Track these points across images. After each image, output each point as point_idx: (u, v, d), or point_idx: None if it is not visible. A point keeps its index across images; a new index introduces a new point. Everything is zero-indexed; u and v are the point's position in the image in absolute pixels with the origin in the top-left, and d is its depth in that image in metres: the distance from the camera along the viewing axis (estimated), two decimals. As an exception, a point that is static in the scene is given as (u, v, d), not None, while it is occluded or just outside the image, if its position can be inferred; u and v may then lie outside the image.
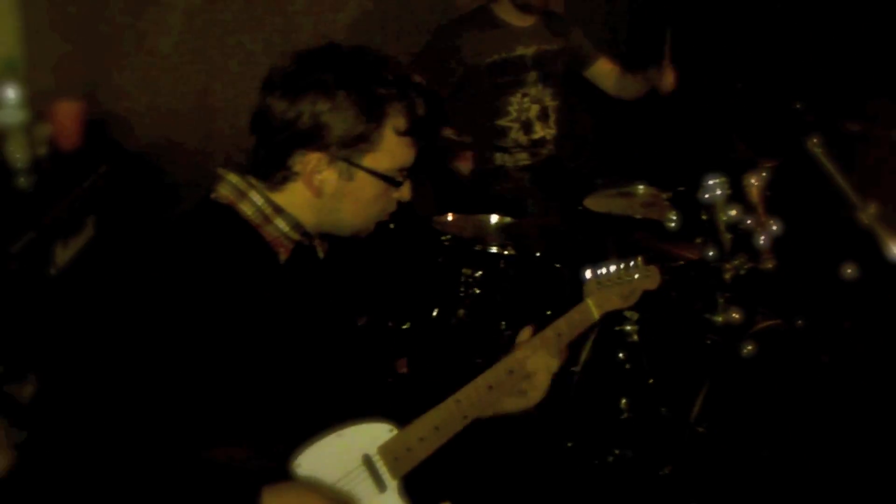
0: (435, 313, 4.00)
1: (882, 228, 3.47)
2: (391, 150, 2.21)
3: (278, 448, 2.13)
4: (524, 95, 4.77)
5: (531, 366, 2.41)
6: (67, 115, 3.85)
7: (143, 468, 1.98)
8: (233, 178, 2.21)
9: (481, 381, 2.36)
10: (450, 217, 4.21)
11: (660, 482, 3.56)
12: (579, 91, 5.16)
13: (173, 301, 2.03)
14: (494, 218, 4.20)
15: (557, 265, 4.02)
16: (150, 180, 4.17)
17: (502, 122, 4.74)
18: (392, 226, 3.25)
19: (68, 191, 2.95)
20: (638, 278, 2.66)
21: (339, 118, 2.14)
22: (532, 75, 4.76)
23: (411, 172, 2.32)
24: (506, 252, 3.94)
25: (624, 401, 3.66)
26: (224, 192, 2.20)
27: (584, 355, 3.75)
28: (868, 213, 3.46)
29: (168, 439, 1.99)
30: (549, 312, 3.71)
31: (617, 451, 3.65)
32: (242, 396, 2.08)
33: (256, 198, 2.19)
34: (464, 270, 3.96)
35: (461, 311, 3.94)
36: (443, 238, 4.03)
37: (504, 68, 4.71)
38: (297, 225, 2.22)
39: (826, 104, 3.95)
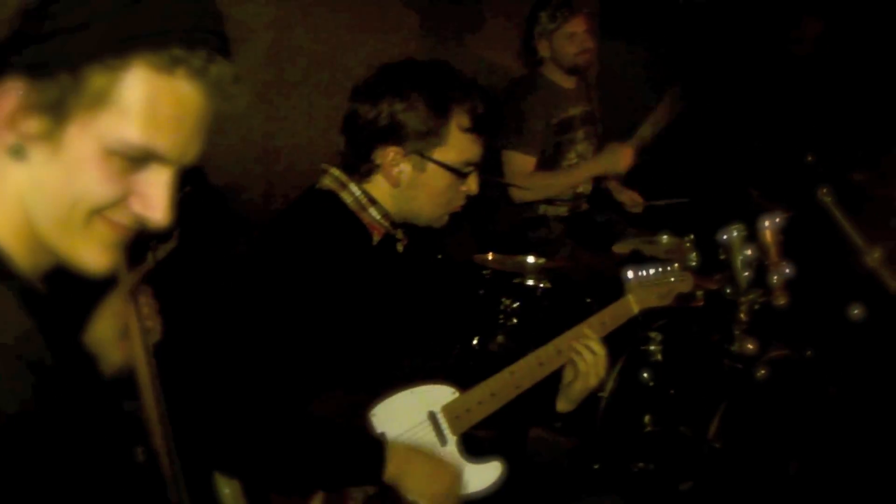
0: (476, 340, 4.29)
1: (886, 271, 3.74)
2: (457, 144, 2.58)
3: (361, 398, 2.48)
4: (575, 153, 5.10)
5: (579, 347, 2.76)
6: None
7: (282, 423, 2.33)
8: (335, 171, 2.62)
9: (533, 357, 2.72)
10: (490, 256, 4.52)
11: (680, 496, 3.84)
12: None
13: (292, 272, 2.43)
14: (531, 258, 4.50)
15: (588, 299, 4.33)
16: (221, 211, 4.47)
17: None
18: (440, 256, 3.57)
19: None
20: (674, 281, 3.03)
21: (411, 116, 2.53)
22: (581, 133, 5.09)
23: (478, 167, 2.67)
24: (541, 285, 4.26)
25: (647, 417, 3.95)
26: (327, 182, 2.60)
27: (610, 384, 4.03)
28: (873, 257, 3.73)
29: (286, 391, 2.34)
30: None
31: (641, 465, 3.93)
32: (339, 352, 2.45)
33: (355, 189, 2.58)
34: (503, 300, 4.28)
35: (500, 338, 4.24)
36: (483, 272, 4.35)
37: (563, 128, 5.04)
38: (386, 214, 2.60)
39: (835, 157, 4.23)
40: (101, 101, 1.35)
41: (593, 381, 2.81)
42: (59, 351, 1.43)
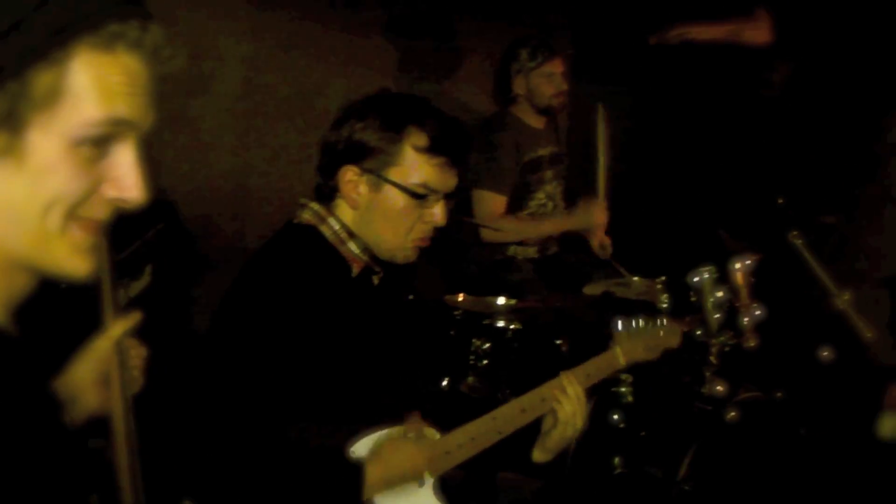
0: (445, 382, 4.28)
1: (855, 314, 3.76)
2: (412, 164, 2.58)
3: (340, 434, 2.48)
4: (544, 193, 5.11)
5: (561, 397, 2.76)
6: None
7: (268, 447, 2.37)
8: (314, 205, 2.64)
9: (516, 403, 2.72)
10: (460, 297, 4.52)
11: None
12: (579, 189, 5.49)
13: (275, 307, 2.44)
14: (502, 300, 4.50)
15: (558, 341, 4.33)
16: (192, 248, 4.47)
17: (523, 217, 5.10)
18: (410, 297, 3.57)
19: (132, 240, 3.29)
20: (663, 335, 3.02)
21: (367, 134, 2.56)
22: (549, 173, 5.12)
23: (445, 197, 2.66)
24: (512, 326, 4.25)
25: (617, 458, 3.93)
26: (307, 216, 2.62)
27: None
28: (843, 300, 3.75)
29: (273, 422, 2.36)
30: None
31: (610, 506, 3.92)
32: (320, 387, 2.45)
33: (334, 223, 2.60)
34: (473, 341, 4.27)
35: (471, 379, 4.23)
36: (454, 312, 4.35)
37: (532, 167, 5.06)
38: (365, 248, 2.60)
39: (806, 200, 4.26)
40: (53, 97, 1.32)
41: (571, 432, 2.81)
42: (15, 396, 1.40)
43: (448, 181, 2.67)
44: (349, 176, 2.60)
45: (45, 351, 1.63)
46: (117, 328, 1.96)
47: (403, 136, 2.59)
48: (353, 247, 2.64)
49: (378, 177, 2.59)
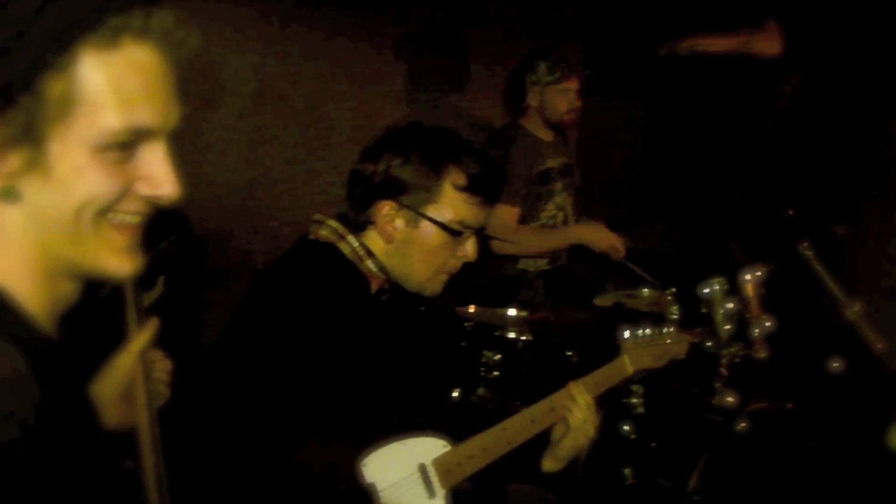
0: (456, 393, 4.28)
1: (866, 325, 3.75)
2: (451, 203, 2.60)
3: (353, 447, 2.49)
4: (554, 204, 5.12)
5: (571, 406, 2.77)
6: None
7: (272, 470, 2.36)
8: (332, 223, 2.65)
9: (526, 413, 2.73)
10: (471, 308, 4.52)
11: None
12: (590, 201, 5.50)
13: (295, 321, 2.45)
14: (513, 311, 4.49)
15: (569, 353, 4.33)
16: (204, 259, 4.47)
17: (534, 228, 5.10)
18: (422, 308, 3.58)
19: (146, 251, 3.30)
20: (670, 343, 3.04)
21: (406, 171, 2.56)
22: (559, 185, 5.11)
23: (475, 233, 2.69)
24: (523, 338, 4.25)
25: (628, 469, 3.93)
26: (324, 233, 2.64)
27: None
28: (853, 311, 3.74)
29: (287, 435, 2.36)
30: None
31: (622, 517, 3.92)
32: (336, 399, 2.46)
33: (353, 240, 2.62)
34: (485, 353, 4.27)
35: (482, 390, 4.24)
36: (465, 324, 4.36)
37: (542, 179, 5.06)
38: (382, 268, 2.62)
39: (816, 210, 4.25)
40: (67, 105, 1.31)
41: (582, 441, 2.83)
42: (61, 402, 1.41)
43: (482, 218, 2.73)
44: (386, 210, 2.63)
45: (85, 359, 1.67)
46: (139, 342, 1.97)
47: (443, 175, 2.62)
48: (371, 265, 2.66)
49: (416, 213, 2.62)
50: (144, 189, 1.40)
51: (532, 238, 5.04)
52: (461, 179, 2.63)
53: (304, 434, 2.41)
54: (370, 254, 2.65)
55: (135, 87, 1.35)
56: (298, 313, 2.49)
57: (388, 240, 2.65)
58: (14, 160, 1.32)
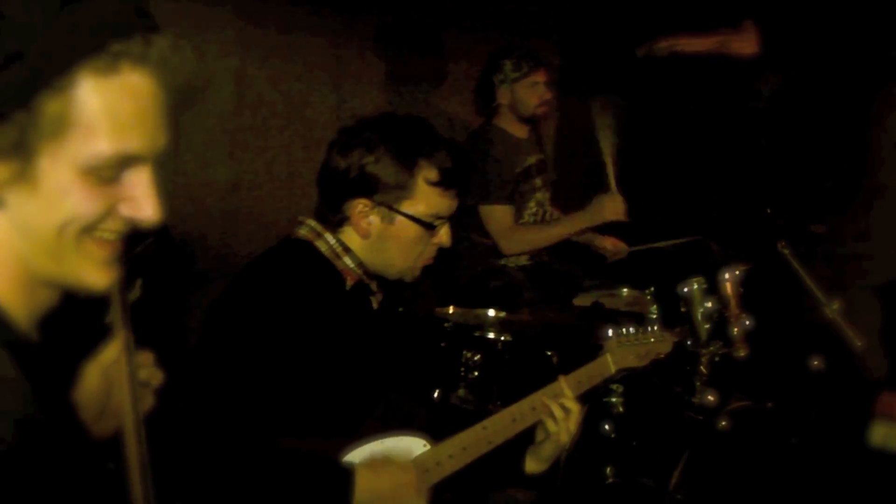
0: (436, 394, 4.27)
1: (845, 322, 3.76)
2: (424, 197, 2.64)
3: (331, 444, 2.48)
4: (535, 202, 5.11)
5: (552, 405, 2.77)
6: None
7: (258, 454, 2.39)
8: (311, 222, 2.69)
9: (507, 413, 2.74)
10: (451, 309, 4.51)
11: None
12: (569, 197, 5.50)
13: (268, 315, 2.47)
14: (492, 312, 4.49)
15: (549, 352, 4.33)
16: (183, 262, 4.45)
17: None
18: (401, 309, 3.57)
19: (124, 253, 3.28)
20: (654, 342, 3.05)
21: (379, 168, 2.59)
22: (538, 181, 5.12)
23: (449, 220, 2.73)
24: (503, 338, 4.25)
25: (609, 468, 3.93)
26: (303, 232, 2.66)
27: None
28: (833, 309, 3.75)
29: (264, 427, 2.37)
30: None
31: (603, 516, 3.91)
32: (313, 395, 2.49)
33: (330, 238, 2.64)
34: (464, 353, 4.26)
35: (461, 391, 4.23)
36: (444, 324, 4.34)
37: (523, 177, 5.06)
38: (360, 263, 2.64)
39: (794, 209, 4.27)
40: (61, 125, 1.34)
41: (565, 439, 2.83)
42: (47, 403, 1.43)
43: (454, 207, 2.77)
44: (360, 208, 2.67)
45: (66, 360, 1.69)
46: (121, 342, 1.95)
47: (415, 171, 2.66)
48: (348, 261, 2.71)
49: (390, 209, 2.67)
50: (127, 210, 1.43)
51: (536, 234, 5.04)
52: (433, 174, 2.68)
53: (281, 429, 2.42)
54: (347, 250, 2.69)
55: (129, 113, 1.38)
56: (273, 308, 2.52)
57: (365, 235, 2.68)
58: (2, 170, 1.34)
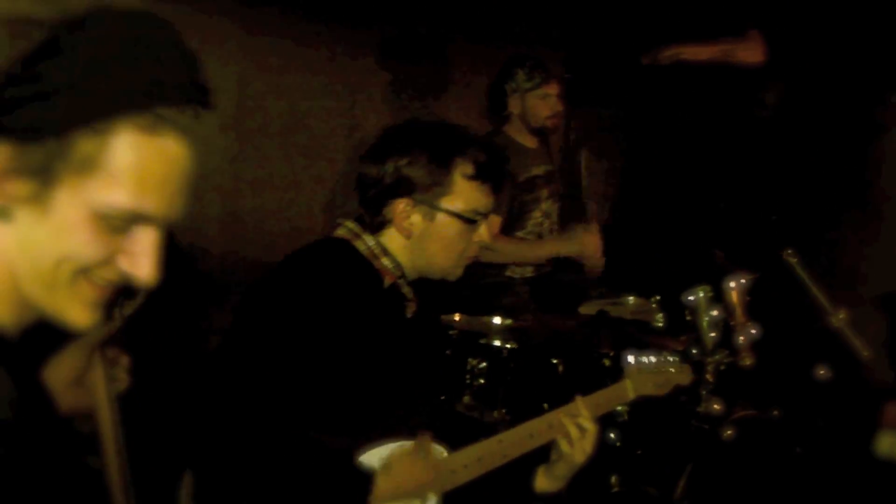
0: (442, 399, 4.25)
1: (851, 332, 3.75)
2: (463, 192, 2.68)
3: (349, 443, 2.49)
4: (540, 212, 5.10)
5: (569, 425, 2.77)
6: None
7: (285, 450, 2.40)
8: (350, 224, 2.74)
9: (524, 428, 2.74)
10: (457, 317, 4.50)
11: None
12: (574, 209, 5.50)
13: (304, 310, 2.50)
14: (498, 319, 4.48)
15: (554, 361, 4.31)
16: (186, 270, 4.44)
17: (521, 236, 5.08)
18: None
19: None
20: (673, 372, 3.04)
21: (415, 169, 2.63)
22: (544, 192, 5.10)
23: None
24: (508, 346, 4.23)
25: (614, 477, 3.91)
26: (342, 232, 2.72)
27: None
28: (839, 318, 3.74)
29: (288, 422, 2.40)
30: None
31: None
32: (342, 392, 2.52)
33: (369, 239, 2.68)
34: (470, 361, 4.25)
35: (467, 398, 4.21)
36: (450, 332, 4.33)
37: (527, 187, 5.04)
38: (398, 265, 2.66)
39: (800, 217, 4.26)
40: (89, 166, 1.35)
41: (580, 459, 2.83)
42: (27, 398, 1.43)
43: (492, 202, 2.81)
44: (401, 207, 2.69)
45: (45, 354, 1.71)
46: (94, 334, 1.95)
47: (451, 167, 2.69)
48: (386, 262, 2.72)
49: (432, 207, 2.69)
50: (124, 264, 1.43)
51: (515, 248, 5.02)
52: (469, 169, 2.70)
53: (305, 423, 2.43)
54: (385, 252, 2.71)
55: (156, 175, 1.40)
56: (309, 299, 2.53)
57: (408, 235, 2.70)
58: (20, 187, 1.36)
